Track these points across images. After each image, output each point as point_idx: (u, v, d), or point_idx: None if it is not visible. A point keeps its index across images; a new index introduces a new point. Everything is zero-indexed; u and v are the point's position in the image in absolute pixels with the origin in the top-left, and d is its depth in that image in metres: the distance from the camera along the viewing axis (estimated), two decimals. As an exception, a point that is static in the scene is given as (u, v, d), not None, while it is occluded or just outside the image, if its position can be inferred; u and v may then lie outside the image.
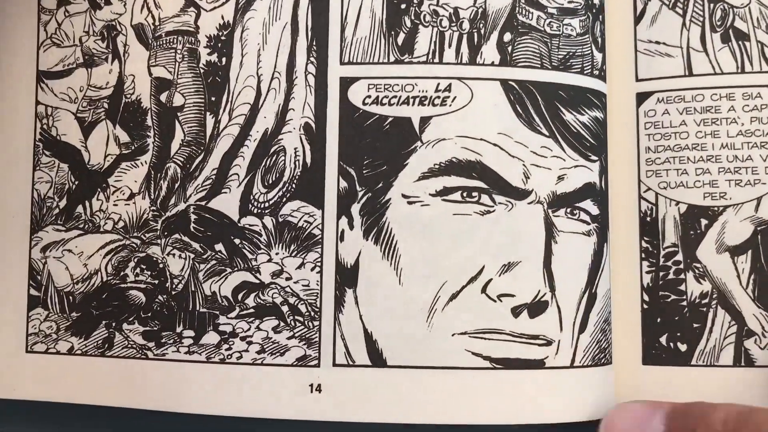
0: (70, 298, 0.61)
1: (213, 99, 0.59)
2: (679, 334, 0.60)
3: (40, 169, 0.61)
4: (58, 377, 0.61)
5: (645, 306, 0.61)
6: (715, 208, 0.60)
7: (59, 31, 0.62)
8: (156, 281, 0.59)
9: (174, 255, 0.59)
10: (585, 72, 0.59)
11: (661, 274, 0.61)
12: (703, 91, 0.61)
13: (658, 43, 0.62)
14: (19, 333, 0.61)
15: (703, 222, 0.60)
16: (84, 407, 0.60)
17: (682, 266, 0.60)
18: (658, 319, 0.60)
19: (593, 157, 0.59)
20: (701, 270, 0.60)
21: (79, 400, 0.60)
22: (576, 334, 0.58)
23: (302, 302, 0.58)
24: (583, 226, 0.58)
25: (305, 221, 0.58)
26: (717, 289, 0.60)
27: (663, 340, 0.60)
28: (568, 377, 0.57)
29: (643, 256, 0.61)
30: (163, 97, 0.60)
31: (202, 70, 0.59)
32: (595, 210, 0.59)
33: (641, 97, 0.62)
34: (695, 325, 0.60)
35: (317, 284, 0.58)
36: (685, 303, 0.60)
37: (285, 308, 0.58)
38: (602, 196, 0.59)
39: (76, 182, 0.61)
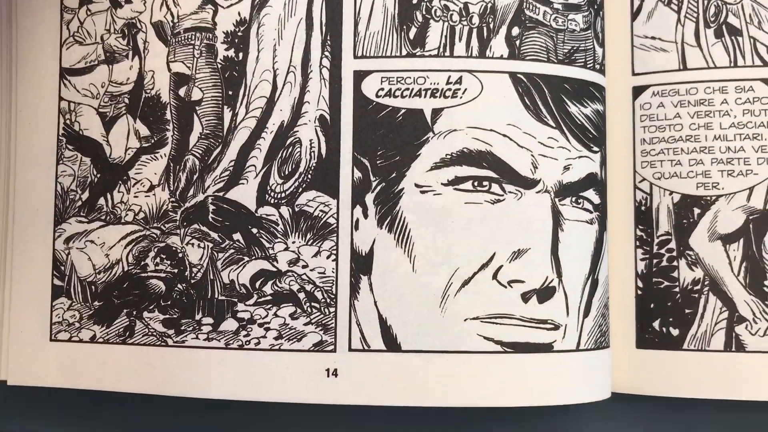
0: (93, 287, 0.61)
1: (230, 93, 0.60)
2: (671, 319, 0.61)
3: (64, 162, 0.62)
4: (81, 365, 0.61)
5: (639, 292, 0.62)
6: (708, 198, 0.61)
7: (81, 30, 0.62)
8: (175, 270, 0.60)
9: (193, 244, 0.59)
10: (588, 66, 0.60)
11: (655, 261, 0.62)
12: (696, 84, 0.61)
13: (653, 38, 0.62)
14: (44, 322, 0.62)
15: (696, 211, 0.61)
16: (106, 394, 0.61)
17: (675, 254, 0.62)
18: (652, 305, 0.62)
19: (595, 148, 0.60)
20: (693, 257, 0.61)
21: (101, 387, 0.61)
22: (581, 318, 0.59)
23: (318, 289, 0.58)
24: (587, 214, 0.59)
25: (321, 211, 0.58)
26: (709, 276, 0.61)
27: (656, 324, 0.61)
28: (574, 360, 0.58)
29: (638, 244, 0.62)
30: (181, 92, 0.60)
31: (219, 65, 0.60)
32: (597, 199, 0.60)
33: (637, 91, 0.63)
34: (687, 311, 0.61)
35: (333, 272, 0.58)
36: (677, 289, 0.61)
37: (302, 295, 0.58)
38: (603, 185, 0.60)
39: (98, 175, 0.61)
